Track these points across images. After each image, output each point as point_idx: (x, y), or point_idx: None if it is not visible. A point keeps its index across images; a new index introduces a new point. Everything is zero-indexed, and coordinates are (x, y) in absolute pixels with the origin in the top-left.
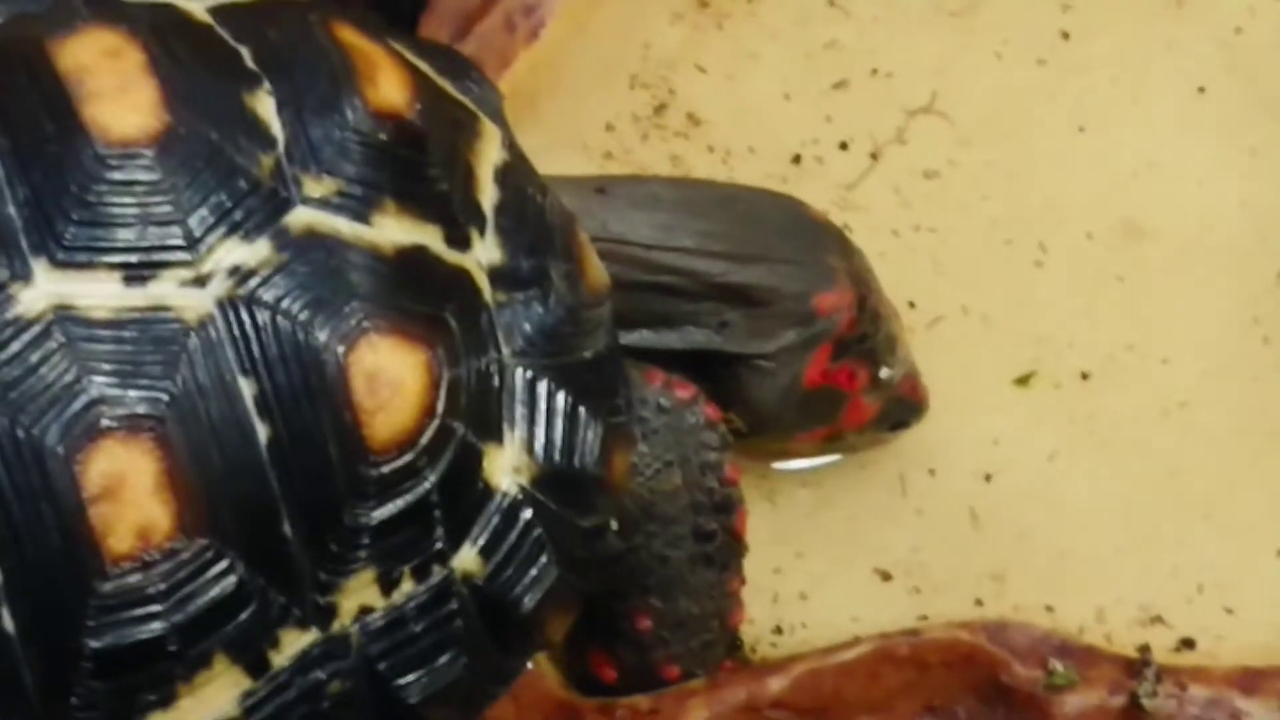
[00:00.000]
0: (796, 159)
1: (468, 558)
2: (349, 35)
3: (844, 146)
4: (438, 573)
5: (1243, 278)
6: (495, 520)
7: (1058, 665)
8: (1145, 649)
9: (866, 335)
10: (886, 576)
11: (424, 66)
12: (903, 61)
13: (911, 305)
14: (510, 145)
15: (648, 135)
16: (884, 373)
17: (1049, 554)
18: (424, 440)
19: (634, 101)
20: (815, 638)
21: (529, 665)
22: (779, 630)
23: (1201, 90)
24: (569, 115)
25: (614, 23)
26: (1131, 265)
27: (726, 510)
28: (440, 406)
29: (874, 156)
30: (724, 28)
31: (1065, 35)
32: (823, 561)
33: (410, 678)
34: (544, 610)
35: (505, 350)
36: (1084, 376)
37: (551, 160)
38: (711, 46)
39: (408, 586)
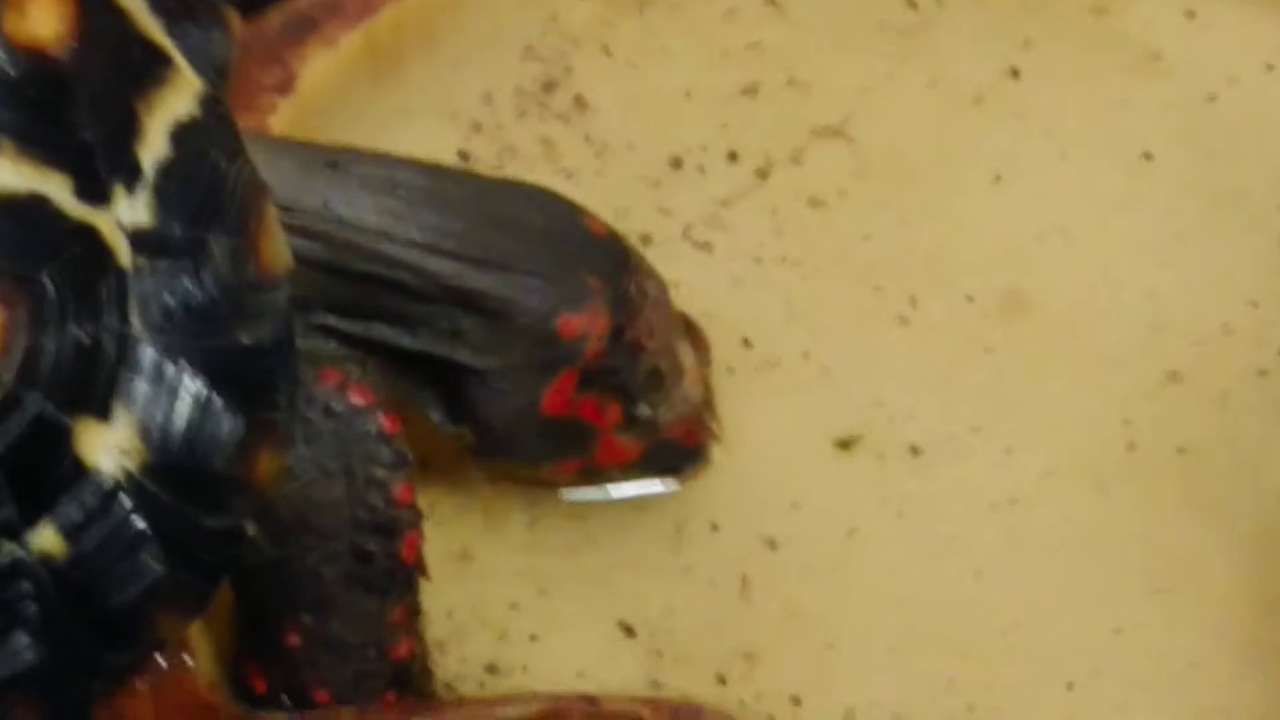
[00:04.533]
0: (677, 163)
1: (46, 537)
2: None
3: (733, 158)
4: (7, 548)
5: (1125, 374)
6: (89, 502)
7: None
8: None
9: (618, 368)
10: (630, 632)
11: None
12: (826, 75)
13: (746, 344)
14: (209, 101)
15: (526, 112)
16: (641, 411)
17: (816, 641)
18: None
19: (522, 74)
20: (531, 684)
21: (187, 661)
22: (493, 669)
23: (1147, 158)
24: (443, 80)
25: None
26: (1005, 338)
27: (390, 533)
28: (8, 374)
29: (761, 174)
30: (644, 12)
31: (1015, 73)
32: (567, 604)
33: None
34: (149, 607)
35: (136, 322)
36: (913, 451)
37: (409, 126)
38: (626, 29)
39: None
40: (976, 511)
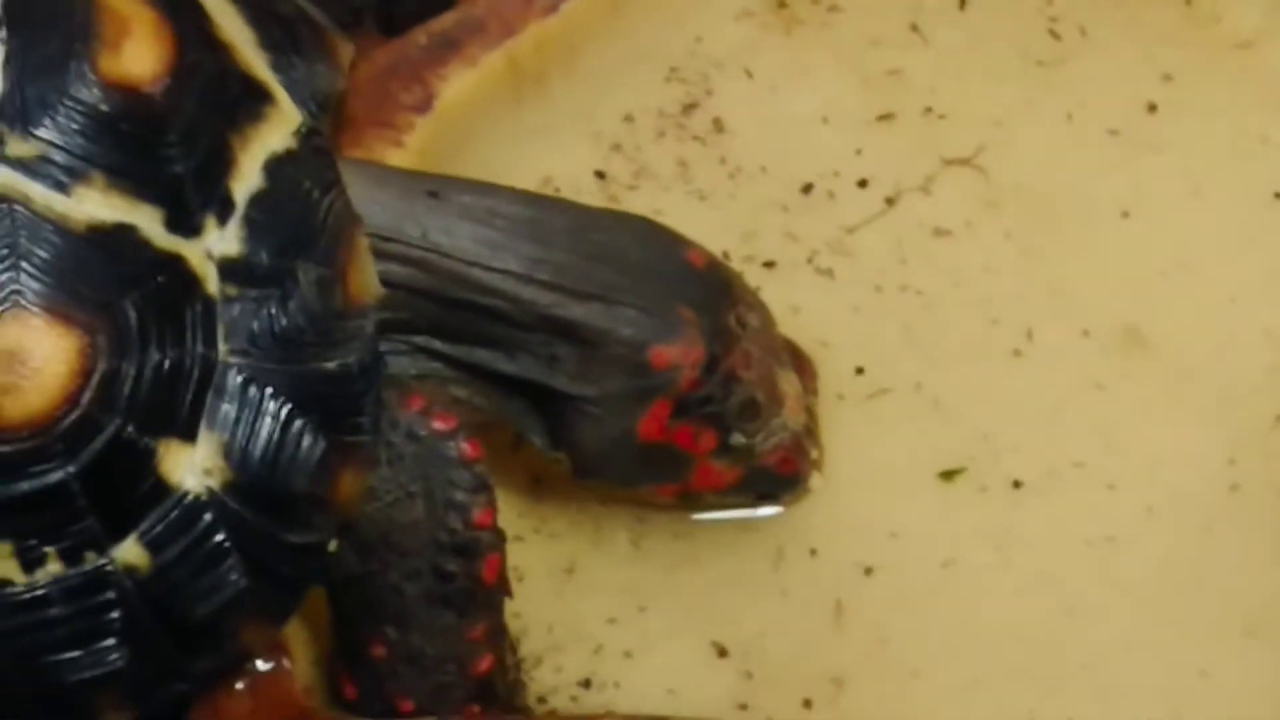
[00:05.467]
0: (807, 188)
1: (130, 550)
2: None
3: (863, 184)
4: (91, 559)
5: (1236, 413)
6: (173, 517)
7: None
8: None
9: (712, 398)
10: (723, 652)
11: (230, 34)
12: (963, 104)
13: (860, 371)
14: (306, 134)
15: (665, 133)
16: (736, 439)
17: (902, 669)
18: (61, 427)
19: (665, 95)
20: (622, 700)
21: (285, 664)
22: (587, 684)
23: (1278, 196)
24: (585, 100)
25: (665, 10)
26: (1118, 375)
27: (469, 554)
28: (86, 396)
29: (889, 202)
30: (791, 34)
31: (1152, 108)
32: (663, 621)
33: (59, 657)
34: (231, 617)
35: (223, 347)
36: (1015, 485)
37: (549, 145)
38: (770, 51)
39: (54, 568)
40: (1073, 547)
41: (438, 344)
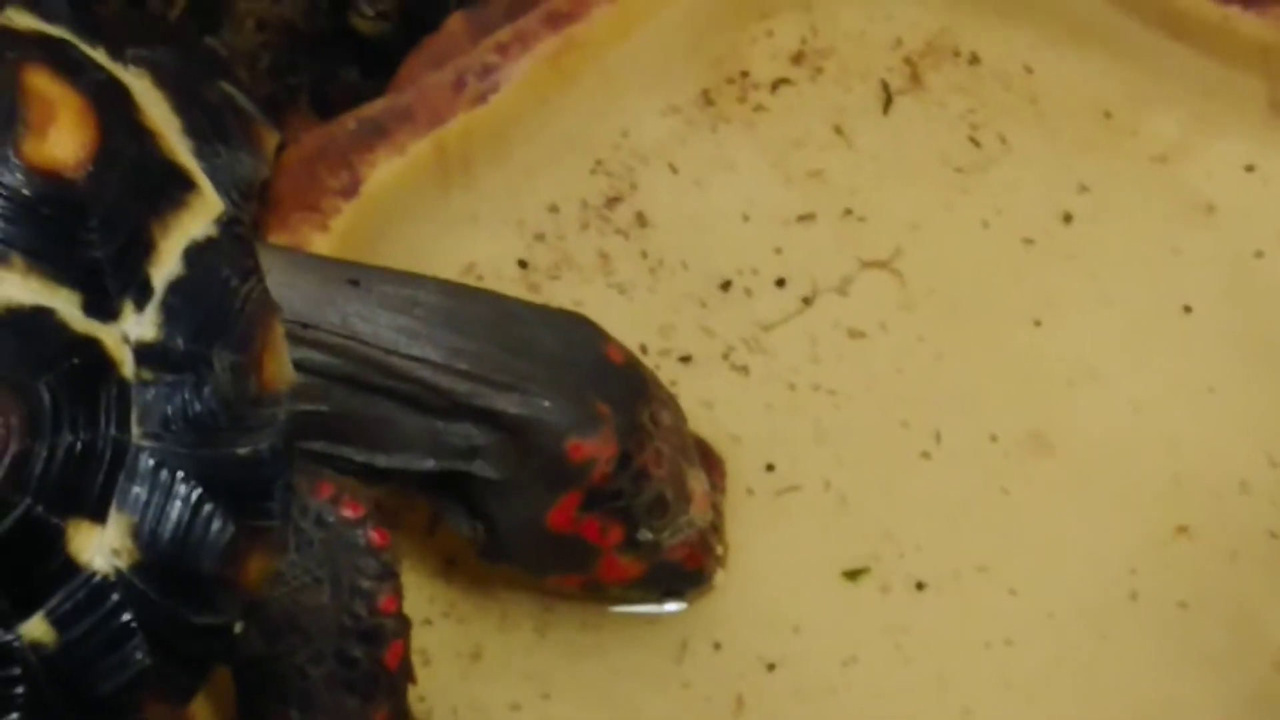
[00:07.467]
0: (726, 285)
1: (37, 627)
2: (38, 80)
3: (780, 284)
4: None
5: (1139, 523)
6: (79, 597)
7: None
8: None
9: (622, 493)
10: None
11: (155, 120)
12: (882, 208)
13: (770, 468)
14: (227, 222)
15: (588, 225)
16: (643, 535)
17: None
18: None
19: (589, 187)
20: None
21: None
22: None
23: (1187, 310)
24: (511, 189)
25: (592, 103)
26: (1024, 480)
27: (374, 640)
28: None
29: (806, 301)
30: (717, 130)
31: (1067, 218)
32: (565, 710)
33: None
34: (135, 694)
35: (136, 430)
36: (918, 585)
37: (473, 233)
38: (695, 148)
39: None
40: (971, 649)
41: (347, 450)
